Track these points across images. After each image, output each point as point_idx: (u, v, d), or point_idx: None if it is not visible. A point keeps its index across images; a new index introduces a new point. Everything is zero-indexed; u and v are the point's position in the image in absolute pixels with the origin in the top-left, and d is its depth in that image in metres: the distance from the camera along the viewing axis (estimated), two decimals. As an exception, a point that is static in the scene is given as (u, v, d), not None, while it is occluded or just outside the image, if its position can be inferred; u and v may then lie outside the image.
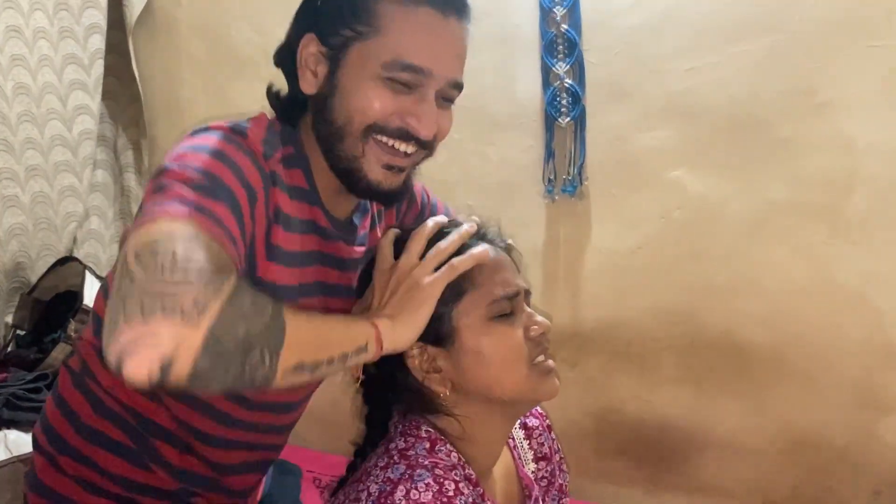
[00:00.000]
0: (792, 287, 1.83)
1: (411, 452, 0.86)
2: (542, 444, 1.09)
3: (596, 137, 1.96)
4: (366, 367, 0.94)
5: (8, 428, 1.78)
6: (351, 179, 0.91)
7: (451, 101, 0.93)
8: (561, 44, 1.94)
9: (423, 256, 0.89)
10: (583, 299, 2.01)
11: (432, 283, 0.86)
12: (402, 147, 0.89)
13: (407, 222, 1.13)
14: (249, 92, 2.35)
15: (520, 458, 1.06)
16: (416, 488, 0.80)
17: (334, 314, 0.85)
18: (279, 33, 2.46)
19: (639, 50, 1.89)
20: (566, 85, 1.95)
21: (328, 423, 1.73)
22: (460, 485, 0.82)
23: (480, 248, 0.91)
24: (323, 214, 0.95)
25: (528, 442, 1.09)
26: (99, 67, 2.30)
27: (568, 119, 1.96)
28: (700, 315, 1.93)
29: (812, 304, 1.82)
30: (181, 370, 0.61)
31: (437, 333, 0.88)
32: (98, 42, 2.29)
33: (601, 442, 2.07)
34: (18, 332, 2.13)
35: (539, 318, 0.92)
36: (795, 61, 1.75)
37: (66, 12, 2.21)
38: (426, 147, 0.92)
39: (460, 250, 0.90)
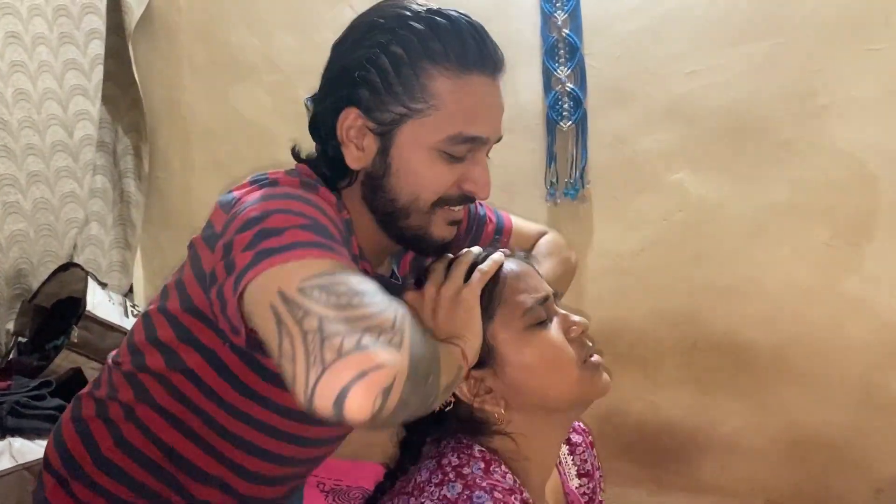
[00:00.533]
0: (793, 288, 1.85)
1: (467, 471, 0.84)
2: (586, 461, 1.09)
3: (598, 141, 1.98)
4: None
5: (12, 436, 1.77)
6: (418, 244, 0.92)
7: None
8: (562, 48, 1.96)
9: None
10: (586, 301, 2.02)
11: (470, 290, 0.87)
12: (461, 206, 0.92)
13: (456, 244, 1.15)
14: (250, 97, 2.36)
15: (565, 474, 1.06)
16: None
17: None
18: (279, 38, 2.47)
19: (640, 54, 1.91)
20: (568, 89, 1.96)
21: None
22: None
23: (496, 254, 0.92)
24: (372, 271, 0.95)
25: (571, 458, 1.08)
26: (99, 73, 2.29)
27: (570, 123, 1.97)
28: (702, 316, 1.94)
29: (813, 305, 1.84)
30: (393, 399, 0.60)
31: (479, 356, 0.88)
32: (98, 47, 2.28)
33: (605, 443, 2.07)
34: (20, 339, 2.11)
35: (575, 317, 0.92)
36: (796, 64, 1.77)
37: (66, 18, 2.20)
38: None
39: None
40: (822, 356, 1.84)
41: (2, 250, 2.06)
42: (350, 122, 0.88)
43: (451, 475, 0.83)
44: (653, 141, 1.93)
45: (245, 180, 0.90)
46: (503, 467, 0.86)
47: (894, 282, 1.76)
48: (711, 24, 1.83)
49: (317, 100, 0.93)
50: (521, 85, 2.02)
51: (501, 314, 0.89)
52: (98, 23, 2.28)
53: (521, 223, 1.23)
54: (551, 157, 2.01)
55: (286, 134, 2.31)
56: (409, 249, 0.96)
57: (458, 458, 0.86)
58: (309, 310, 0.63)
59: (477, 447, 0.88)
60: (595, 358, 0.91)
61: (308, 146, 0.98)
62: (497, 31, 2.04)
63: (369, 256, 0.95)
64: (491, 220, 1.18)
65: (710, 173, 1.89)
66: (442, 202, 0.89)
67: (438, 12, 0.87)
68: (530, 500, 0.86)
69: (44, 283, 2.15)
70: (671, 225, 1.94)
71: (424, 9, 0.87)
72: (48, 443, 1.06)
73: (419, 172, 0.87)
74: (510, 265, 0.93)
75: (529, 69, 2.00)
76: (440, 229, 0.91)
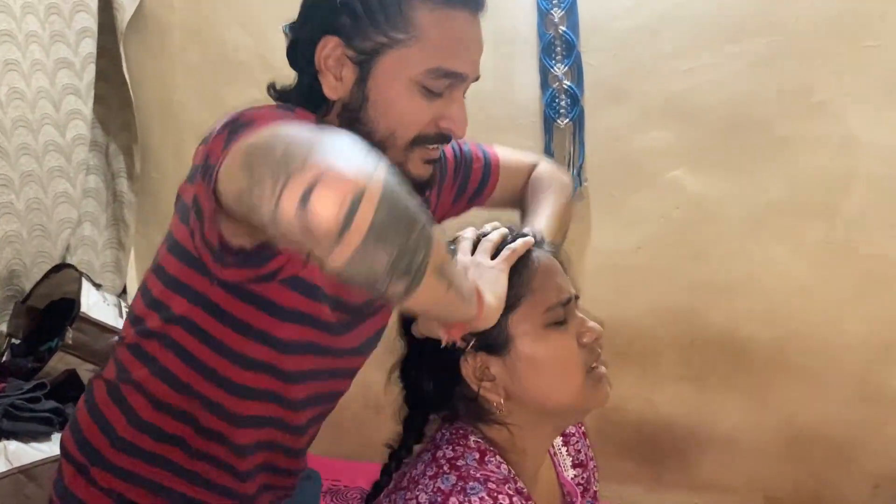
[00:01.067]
0: (791, 284, 1.86)
1: (461, 463, 0.84)
2: (580, 451, 1.09)
3: (595, 138, 1.98)
4: (411, 372, 0.94)
5: (7, 439, 1.75)
6: None
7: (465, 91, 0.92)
8: (559, 45, 1.95)
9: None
10: (584, 299, 1.97)
11: (499, 264, 0.86)
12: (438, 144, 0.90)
13: (445, 188, 1.12)
14: (243, 96, 2.31)
15: (560, 465, 1.06)
16: (470, 501, 0.78)
17: None
18: (273, 37, 2.45)
19: (637, 51, 1.91)
20: (565, 86, 1.96)
21: (327, 428, 1.72)
22: (514, 499, 0.81)
23: (528, 236, 0.91)
24: None
25: (566, 448, 1.08)
26: (91, 72, 2.27)
27: (567, 120, 1.97)
28: (700, 313, 1.95)
29: (811, 302, 1.85)
30: (364, 215, 0.55)
31: (492, 341, 0.87)
32: (89, 46, 2.26)
33: (604, 441, 2.07)
34: (13, 340, 2.09)
35: (591, 323, 0.91)
36: (792, 61, 1.78)
37: (57, 16, 2.18)
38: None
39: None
40: (819, 353, 1.85)
41: (-4, 251, 2.04)
42: (329, 50, 0.86)
43: (445, 467, 0.84)
44: (650, 138, 1.93)
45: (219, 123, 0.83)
46: (497, 458, 0.87)
47: (891, 278, 1.77)
48: (708, 21, 1.83)
49: (294, 27, 0.92)
50: (518, 82, 2.02)
51: (526, 305, 0.88)
52: (89, 21, 2.26)
53: (509, 156, 1.19)
54: (548, 155, 2.00)
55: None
56: None
57: (454, 450, 0.86)
58: (274, 145, 0.59)
59: (472, 438, 0.88)
60: (601, 368, 0.91)
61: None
62: (493, 28, 2.05)
63: None
64: (478, 158, 1.15)
65: (708, 170, 1.89)
66: (419, 140, 0.88)
67: None
68: (524, 490, 0.86)
69: (37, 285, 2.12)
70: (669, 222, 1.94)
71: None
72: (64, 432, 1.05)
73: (396, 105, 0.85)
74: (541, 257, 0.91)
75: (526, 66, 2.00)
76: (417, 168, 0.90)
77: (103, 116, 2.41)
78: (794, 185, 1.82)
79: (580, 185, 1.99)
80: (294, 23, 0.92)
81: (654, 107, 1.91)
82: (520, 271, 0.88)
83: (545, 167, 1.20)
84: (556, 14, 1.93)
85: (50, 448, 1.77)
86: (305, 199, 0.54)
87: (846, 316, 1.82)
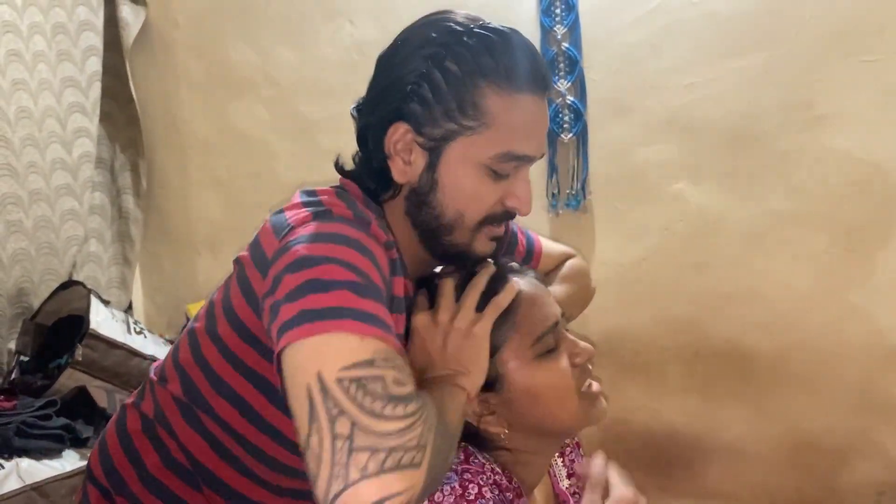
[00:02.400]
0: (793, 295, 1.88)
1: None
2: (574, 461, 1.12)
3: (598, 152, 2.00)
4: None
5: (20, 456, 1.76)
6: (459, 258, 0.93)
7: None
8: (562, 62, 1.98)
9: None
10: (589, 311, 2.00)
11: (482, 326, 0.88)
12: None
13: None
14: (248, 113, 2.36)
15: (555, 476, 1.09)
16: (441, 491, 0.82)
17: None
18: (277, 53, 2.48)
19: (639, 67, 1.93)
20: (568, 101, 1.99)
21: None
22: (483, 489, 0.84)
23: (512, 285, 0.92)
24: (412, 287, 0.96)
25: (560, 460, 1.11)
26: (96, 90, 2.29)
27: (570, 135, 2.00)
28: (704, 324, 1.97)
29: (813, 312, 1.87)
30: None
31: (486, 380, 0.89)
32: (95, 64, 2.29)
33: (609, 451, 2.06)
34: (22, 357, 2.10)
35: (582, 344, 0.93)
36: (792, 76, 1.81)
37: (64, 35, 2.20)
38: None
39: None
40: (822, 362, 1.87)
41: (4, 269, 2.05)
42: (399, 136, 0.88)
43: None
44: (653, 152, 1.95)
45: (295, 199, 0.88)
46: (483, 457, 0.91)
47: (892, 287, 1.80)
48: (708, 37, 1.86)
49: (362, 111, 0.93)
50: (522, 98, 2.04)
51: (512, 341, 0.90)
52: (95, 40, 2.29)
53: (548, 245, 1.22)
54: (553, 169, 2.03)
55: (284, 149, 2.35)
56: (450, 264, 0.96)
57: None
58: (343, 409, 0.66)
59: (472, 457, 0.91)
60: (595, 386, 0.93)
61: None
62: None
63: (410, 270, 0.94)
64: (521, 241, 1.18)
65: (710, 183, 1.92)
66: (487, 220, 0.89)
67: (491, 28, 0.87)
68: (503, 483, 0.89)
69: (45, 302, 2.14)
70: (672, 234, 1.97)
71: (477, 24, 0.87)
72: (92, 453, 1.06)
73: (466, 189, 0.87)
74: (525, 287, 0.93)
75: (529, 82, 2.02)
76: (482, 245, 0.91)
77: (109, 133, 2.43)
78: (795, 197, 1.84)
79: (584, 198, 2.02)
80: (361, 105, 0.94)
81: (657, 121, 1.94)
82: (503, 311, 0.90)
83: (576, 262, 1.23)
84: (559, 31, 1.96)
85: (61, 465, 1.78)
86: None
87: (847, 326, 1.84)
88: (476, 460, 0.89)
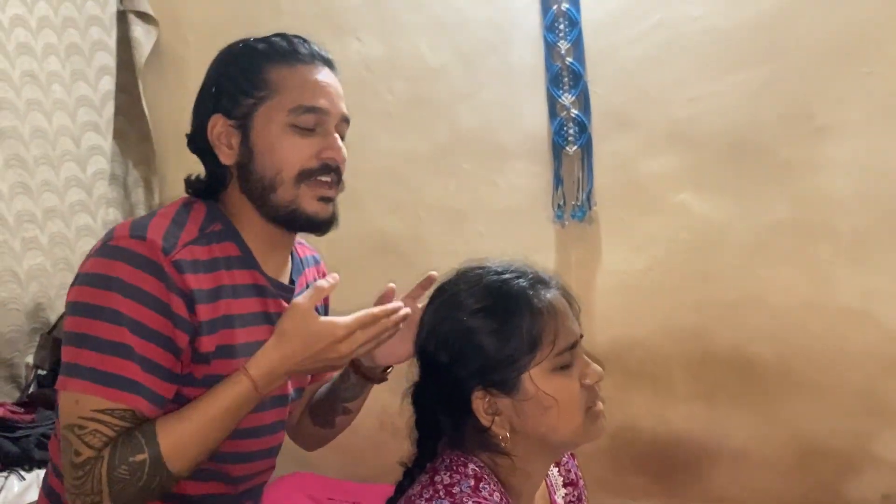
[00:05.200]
0: (797, 303, 1.91)
1: (456, 490, 0.90)
2: (570, 471, 1.15)
3: (603, 164, 2.04)
4: (424, 401, 0.99)
5: (40, 468, 1.80)
6: (291, 219, 1.04)
7: (343, 135, 1.07)
8: (566, 76, 2.02)
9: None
10: (596, 320, 2.07)
11: (350, 356, 1.00)
12: (326, 178, 1.04)
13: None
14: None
15: (552, 486, 1.12)
16: None
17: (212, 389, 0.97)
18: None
19: (642, 80, 1.97)
20: (572, 115, 2.03)
21: (344, 451, 1.77)
22: None
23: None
24: (261, 275, 1.06)
25: (556, 469, 1.14)
26: (110, 108, 2.34)
27: (575, 147, 2.03)
28: (709, 332, 2.00)
29: (816, 319, 1.90)
30: None
31: (503, 381, 0.92)
32: (108, 83, 2.33)
33: (618, 458, 2.13)
34: (40, 371, 2.14)
35: (594, 366, 0.96)
36: (793, 88, 1.85)
37: (78, 56, 2.25)
38: (340, 178, 1.07)
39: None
40: (826, 368, 1.90)
41: (21, 285, 2.09)
42: (218, 127, 1.03)
43: (441, 492, 0.90)
44: (656, 164, 1.99)
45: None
46: (492, 485, 0.92)
47: (892, 295, 1.83)
48: (710, 51, 1.90)
49: (189, 135, 1.08)
50: (528, 112, 2.08)
51: (543, 350, 0.92)
52: (108, 59, 2.34)
53: None
54: (558, 181, 2.07)
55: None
56: (288, 229, 1.07)
57: (451, 477, 0.92)
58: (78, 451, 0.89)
59: (472, 466, 0.93)
60: (598, 406, 0.97)
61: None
62: (503, 61, 2.12)
63: (261, 261, 1.06)
64: None
65: (713, 194, 1.95)
66: (304, 174, 1.02)
67: (273, 35, 1.07)
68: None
69: (62, 316, 2.18)
70: (677, 244, 2.00)
71: (262, 36, 1.08)
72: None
73: (276, 148, 1.02)
74: (555, 300, 0.96)
75: (535, 96, 2.07)
76: (311, 204, 1.03)
77: (122, 150, 2.47)
78: (798, 207, 1.88)
79: (589, 209, 2.05)
80: (188, 134, 1.09)
81: (660, 133, 1.98)
82: (535, 314, 0.93)
83: None
84: (563, 46, 2.00)
85: (81, 477, 1.81)
86: None
87: (850, 332, 1.87)
88: (486, 488, 0.91)
